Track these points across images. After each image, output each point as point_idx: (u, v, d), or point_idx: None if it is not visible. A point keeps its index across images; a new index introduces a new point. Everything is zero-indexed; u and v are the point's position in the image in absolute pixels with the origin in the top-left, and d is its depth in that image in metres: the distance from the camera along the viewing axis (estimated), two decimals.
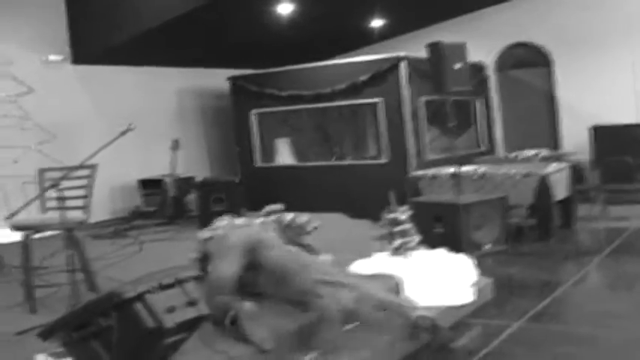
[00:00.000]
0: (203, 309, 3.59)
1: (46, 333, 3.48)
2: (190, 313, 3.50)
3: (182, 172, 9.05)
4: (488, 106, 10.61)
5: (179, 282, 3.59)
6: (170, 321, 3.33)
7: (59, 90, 9.09)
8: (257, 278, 4.44)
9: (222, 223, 5.02)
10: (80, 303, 4.26)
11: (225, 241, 4.38)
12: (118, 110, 9.41)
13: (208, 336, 3.83)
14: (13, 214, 4.49)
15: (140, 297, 3.33)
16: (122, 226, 8.50)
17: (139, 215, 9.30)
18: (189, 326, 3.55)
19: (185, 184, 9.02)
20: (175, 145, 8.70)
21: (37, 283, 5.10)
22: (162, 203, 8.78)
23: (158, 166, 9.42)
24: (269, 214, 8.07)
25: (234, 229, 4.73)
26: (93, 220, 8.87)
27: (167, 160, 8.78)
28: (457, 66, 6.65)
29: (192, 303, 3.55)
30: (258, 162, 9.81)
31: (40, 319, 4.19)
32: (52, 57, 9.10)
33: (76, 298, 4.45)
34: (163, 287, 3.47)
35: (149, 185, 9.45)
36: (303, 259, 4.53)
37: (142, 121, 9.90)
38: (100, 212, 9.25)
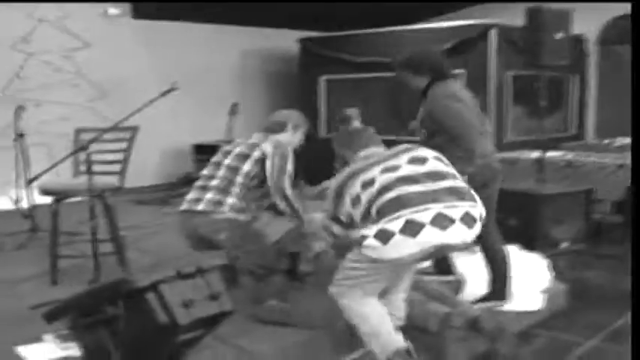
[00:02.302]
0: (226, 304, 3.04)
1: (52, 315, 3.10)
2: (210, 309, 2.98)
3: (239, 138, 8.48)
4: (583, 85, 9.52)
5: (201, 271, 3.05)
6: (185, 317, 2.84)
7: (116, 45, 8.62)
8: None
9: None
10: (93, 283, 4.02)
11: None
12: (177, 69, 8.85)
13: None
14: (33, 179, 4.04)
15: (153, 287, 2.82)
16: (169, 192, 7.98)
17: (189, 182, 8.72)
18: (209, 323, 3.04)
19: None
20: (234, 110, 8.08)
21: (65, 251, 4.76)
22: None
23: (214, 131, 8.86)
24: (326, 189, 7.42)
25: None
26: (140, 184, 8.54)
27: (224, 125, 8.20)
28: (558, 36, 5.83)
29: (214, 297, 3.02)
30: (323, 132, 9.18)
31: (59, 292, 3.88)
32: (110, 10, 8.61)
33: (97, 273, 4.16)
34: (182, 276, 2.94)
35: (203, 151, 8.85)
36: None
37: (201, 82, 9.45)
38: (148, 176, 8.85)
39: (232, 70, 10.11)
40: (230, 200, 3.86)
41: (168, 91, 4.47)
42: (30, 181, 4.20)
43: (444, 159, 3.31)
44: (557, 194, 5.90)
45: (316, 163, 8.42)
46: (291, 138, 4.25)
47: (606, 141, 7.78)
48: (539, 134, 6.69)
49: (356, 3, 9.44)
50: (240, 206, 3.87)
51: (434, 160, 3.22)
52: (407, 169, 3.11)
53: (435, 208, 2.94)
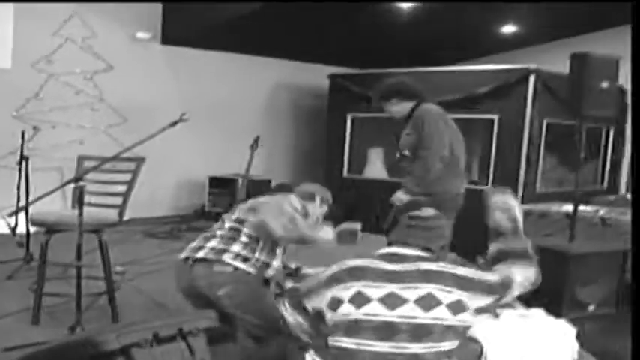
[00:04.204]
0: None
1: None
2: None
3: (259, 173, 8.15)
4: (620, 137, 9.04)
5: (183, 335, 2.68)
6: None
7: (141, 70, 8.41)
8: None
9: None
10: (72, 329, 3.74)
11: None
12: (202, 98, 8.67)
13: None
14: (18, 209, 3.76)
15: (124, 351, 2.49)
16: (180, 225, 7.68)
17: (202, 215, 8.47)
18: None
19: (258, 187, 8.06)
20: (255, 144, 7.78)
21: (56, 286, 4.57)
22: (230, 205, 7.93)
23: (234, 165, 8.57)
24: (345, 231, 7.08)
25: None
26: (152, 214, 8.25)
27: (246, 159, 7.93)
28: (604, 85, 5.44)
29: None
30: (346, 172, 8.86)
31: (38, 333, 3.92)
32: (139, 34, 8.40)
33: (79, 317, 3.80)
34: (159, 340, 2.59)
35: (219, 184, 8.61)
36: None
37: (226, 112, 9.20)
38: (161, 208, 8.57)
39: (260, 103, 9.86)
40: (235, 248, 3.55)
41: (177, 122, 4.16)
42: (17, 212, 3.88)
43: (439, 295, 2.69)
44: (589, 253, 5.49)
45: (336, 202, 8.10)
46: (316, 210, 4.15)
47: None
48: (571, 187, 6.30)
49: (392, 43, 9.15)
50: (245, 255, 3.56)
51: (413, 305, 2.64)
52: (374, 309, 2.64)
53: None
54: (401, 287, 2.65)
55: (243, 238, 3.60)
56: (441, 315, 2.63)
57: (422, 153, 4.58)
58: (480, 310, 2.73)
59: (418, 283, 2.67)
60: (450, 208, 4.61)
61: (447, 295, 2.65)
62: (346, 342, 2.59)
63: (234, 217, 3.75)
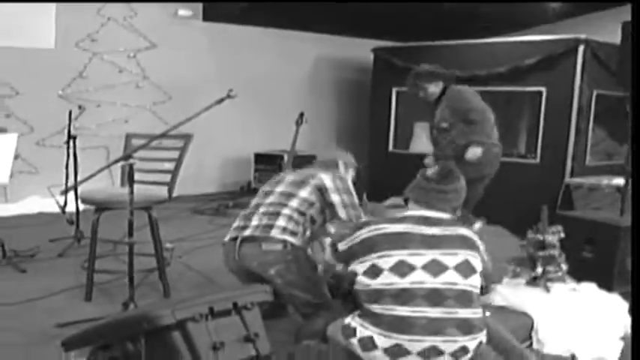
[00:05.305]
0: (263, 346, 2.66)
1: (70, 343, 2.83)
2: (243, 352, 2.61)
3: (304, 149, 8.11)
4: None
5: (237, 309, 2.68)
6: None
7: (183, 48, 8.39)
8: None
9: None
10: (125, 305, 3.73)
11: None
12: (245, 75, 8.61)
13: None
14: (68, 188, 3.76)
15: (180, 325, 2.48)
16: (227, 202, 7.70)
17: (248, 192, 8.46)
18: None
19: (304, 162, 8.02)
20: (300, 120, 7.73)
21: (107, 263, 4.65)
22: None
23: (279, 141, 8.55)
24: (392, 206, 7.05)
25: None
26: (199, 191, 8.31)
27: (291, 135, 7.90)
28: None
29: (249, 339, 2.64)
30: (391, 146, 8.79)
31: (91, 310, 3.93)
32: (181, 11, 8.38)
33: (132, 293, 3.78)
34: (215, 314, 2.59)
35: (264, 160, 8.59)
36: None
37: (269, 88, 9.17)
38: (208, 184, 8.62)
39: (303, 78, 9.80)
40: (280, 223, 3.51)
41: (224, 99, 4.12)
42: (67, 190, 3.90)
43: (471, 261, 2.84)
44: None
45: (381, 177, 8.05)
46: (344, 176, 4.04)
47: None
48: (621, 159, 6.15)
49: (435, 14, 8.99)
50: (291, 229, 3.53)
51: (453, 273, 2.78)
52: (419, 277, 2.74)
53: (431, 341, 2.67)
54: (441, 253, 2.78)
55: (287, 211, 3.56)
56: (475, 282, 2.80)
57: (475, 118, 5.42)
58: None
59: (457, 249, 2.80)
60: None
61: (476, 262, 2.84)
62: (399, 310, 2.69)
63: (279, 189, 3.70)
